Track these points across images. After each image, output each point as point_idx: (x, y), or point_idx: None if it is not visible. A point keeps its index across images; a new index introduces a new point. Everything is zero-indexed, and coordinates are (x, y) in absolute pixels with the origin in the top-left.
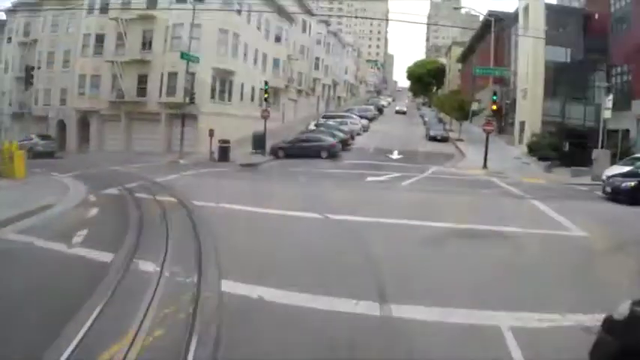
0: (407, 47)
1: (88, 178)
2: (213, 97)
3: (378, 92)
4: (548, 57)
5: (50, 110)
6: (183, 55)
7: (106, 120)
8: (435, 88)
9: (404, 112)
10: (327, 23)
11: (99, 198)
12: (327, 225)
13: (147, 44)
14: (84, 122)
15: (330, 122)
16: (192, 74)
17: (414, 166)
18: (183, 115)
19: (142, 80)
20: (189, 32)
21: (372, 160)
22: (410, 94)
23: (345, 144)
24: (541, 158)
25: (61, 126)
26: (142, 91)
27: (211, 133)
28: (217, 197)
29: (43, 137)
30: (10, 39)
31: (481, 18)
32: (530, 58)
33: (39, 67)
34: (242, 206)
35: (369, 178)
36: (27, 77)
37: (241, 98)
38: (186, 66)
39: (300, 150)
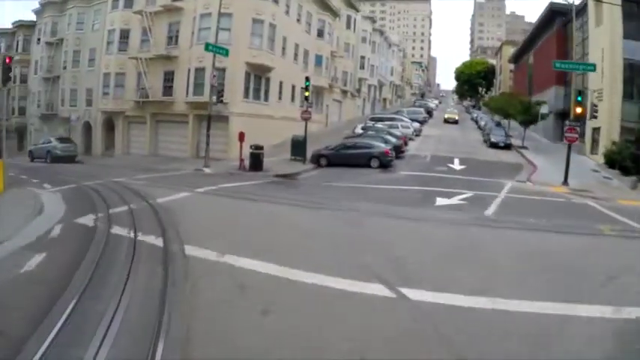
0: (450, 49)
1: (77, 195)
2: (246, 96)
3: (422, 95)
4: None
5: (72, 112)
6: (208, 47)
7: (132, 122)
8: (484, 89)
9: (455, 121)
10: (373, 20)
11: (63, 232)
12: (408, 321)
13: (173, 38)
14: (109, 124)
15: (379, 125)
16: (223, 70)
17: (484, 180)
18: (209, 116)
19: (168, 78)
20: (217, 22)
21: (432, 172)
22: (455, 96)
23: (398, 151)
24: (623, 172)
25: (87, 128)
26: (168, 90)
27: (241, 137)
28: (226, 238)
29: (62, 140)
30: (39, 40)
31: (527, 18)
32: (607, 54)
33: (64, 67)
34: (256, 261)
35: (439, 201)
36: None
37: (279, 98)
38: (212, 59)
39: (347, 158)
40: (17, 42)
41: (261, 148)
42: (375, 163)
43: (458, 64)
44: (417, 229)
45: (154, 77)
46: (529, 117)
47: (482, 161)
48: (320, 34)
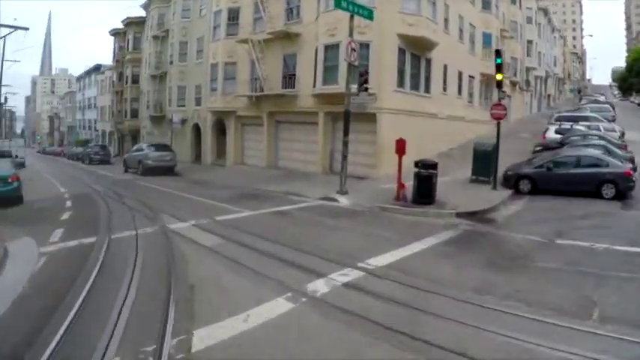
0: (596, 40)
1: (63, 276)
2: (401, 84)
3: (579, 90)
4: None
5: (176, 113)
6: (340, 3)
7: (245, 123)
8: None
9: None
10: None
11: None
12: None
13: (294, 10)
14: (220, 126)
15: (580, 128)
16: (366, 46)
17: None
18: (346, 113)
19: (289, 64)
20: None
21: None
22: (616, 91)
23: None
24: None
25: (197, 131)
26: (288, 80)
27: (401, 147)
28: None
29: (158, 148)
30: (147, 36)
31: None
32: None
33: (171, 62)
34: None
35: None
36: None
37: (444, 88)
38: (349, 24)
39: (563, 181)
40: (128, 41)
41: (434, 166)
42: (608, 191)
43: (609, 55)
44: None
45: (270, 64)
46: None
47: None
48: (486, 5)
